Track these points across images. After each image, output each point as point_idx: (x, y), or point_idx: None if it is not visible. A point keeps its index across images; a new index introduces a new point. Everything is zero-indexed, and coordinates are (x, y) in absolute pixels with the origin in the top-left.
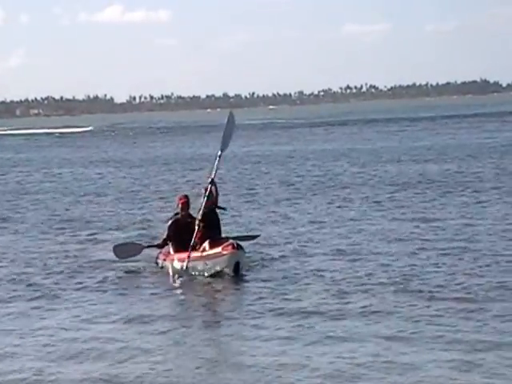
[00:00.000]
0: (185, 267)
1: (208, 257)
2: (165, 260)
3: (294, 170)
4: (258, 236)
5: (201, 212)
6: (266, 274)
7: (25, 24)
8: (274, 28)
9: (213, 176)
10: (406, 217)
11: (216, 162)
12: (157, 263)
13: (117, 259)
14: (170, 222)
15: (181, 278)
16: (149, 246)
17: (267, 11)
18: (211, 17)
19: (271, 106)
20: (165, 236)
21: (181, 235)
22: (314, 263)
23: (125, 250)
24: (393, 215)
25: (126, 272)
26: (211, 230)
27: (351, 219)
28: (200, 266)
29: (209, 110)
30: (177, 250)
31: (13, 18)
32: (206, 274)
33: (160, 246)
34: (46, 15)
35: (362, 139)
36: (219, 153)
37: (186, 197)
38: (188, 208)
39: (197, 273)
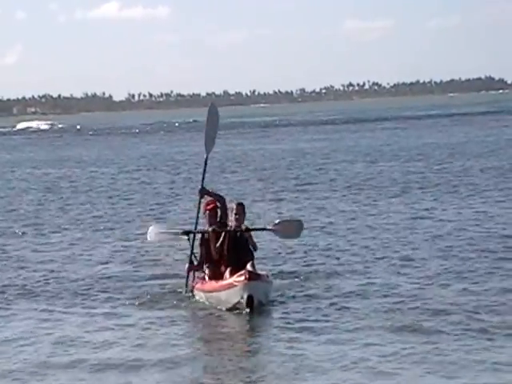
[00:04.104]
0: (209, 298)
1: (223, 287)
2: (193, 287)
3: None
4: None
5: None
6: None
7: (21, 21)
8: (274, 25)
9: (201, 184)
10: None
11: (204, 168)
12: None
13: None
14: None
15: (204, 311)
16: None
17: (268, 8)
18: (210, 13)
19: (262, 105)
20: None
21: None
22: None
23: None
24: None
25: (152, 300)
26: (234, 254)
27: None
28: (218, 297)
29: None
30: (212, 277)
31: (9, 14)
32: (224, 308)
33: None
34: (43, 12)
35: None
36: (205, 156)
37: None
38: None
39: (219, 306)
